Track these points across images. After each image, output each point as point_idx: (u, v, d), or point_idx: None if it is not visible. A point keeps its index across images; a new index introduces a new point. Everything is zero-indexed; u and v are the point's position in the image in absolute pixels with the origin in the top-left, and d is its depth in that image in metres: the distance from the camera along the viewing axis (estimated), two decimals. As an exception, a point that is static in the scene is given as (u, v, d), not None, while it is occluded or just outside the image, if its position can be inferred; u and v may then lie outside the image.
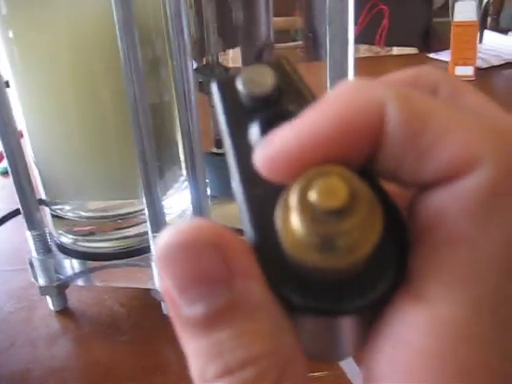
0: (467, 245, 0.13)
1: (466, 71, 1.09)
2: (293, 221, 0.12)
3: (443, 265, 0.13)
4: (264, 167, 0.14)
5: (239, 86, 0.16)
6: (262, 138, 0.15)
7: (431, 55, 1.28)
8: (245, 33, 0.42)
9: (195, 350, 0.13)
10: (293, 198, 0.12)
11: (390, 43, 1.73)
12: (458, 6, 1.06)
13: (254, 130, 0.16)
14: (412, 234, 0.14)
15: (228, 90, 0.17)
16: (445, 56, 1.21)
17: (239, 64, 0.43)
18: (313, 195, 0.12)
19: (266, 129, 0.15)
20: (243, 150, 0.15)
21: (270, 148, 0.14)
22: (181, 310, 0.13)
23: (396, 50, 1.76)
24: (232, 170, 0.15)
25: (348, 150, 0.13)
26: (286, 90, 0.16)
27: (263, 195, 0.14)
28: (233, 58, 0.43)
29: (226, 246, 0.13)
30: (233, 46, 0.43)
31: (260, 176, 0.14)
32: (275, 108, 0.16)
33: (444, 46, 1.28)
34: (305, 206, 0.12)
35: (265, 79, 0.16)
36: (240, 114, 0.16)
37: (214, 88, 0.17)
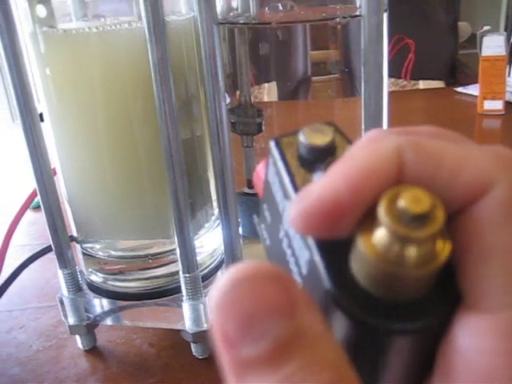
0: (504, 252, 0.14)
1: (496, 105, 1.08)
2: (381, 227, 0.14)
3: (490, 274, 0.14)
4: (300, 220, 0.15)
5: (301, 137, 0.17)
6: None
7: (459, 89, 1.27)
8: (282, 67, 0.42)
9: None
10: (382, 206, 0.14)
11: (416, 77, 1.74)
12: (486, 40, 1.05)
13: (317, 177, 0.17)
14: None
15: (286, 146, 0.18)
16: (473, 90, 1.20)
17: (275, 98, 0.43)
18: (401, 202, 0.13)
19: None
20: None
21: (305, 202, 0.15)
22: (242, 350, 0.13)
23: (422, 84, 1.76)
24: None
25: (375, 196, 0.15)
26: (340, 144, 0.18)
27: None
28: (268, 91, 0.42)
29: (284, 278, 0.13)
30: (268, 80, 0.43)
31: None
32: (334, 157, 0.17)
33: (471, 80, 1.27)
34: (394, 211, 0.13)
35: (326, 131, 0.17)
36: (301, 166, 0.18)
37: (273, 145, 0.18)
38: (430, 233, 0.13)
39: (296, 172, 0.17)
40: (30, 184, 0.49)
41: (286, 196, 0.17)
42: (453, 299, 0.15)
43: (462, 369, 0.14)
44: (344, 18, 0.38)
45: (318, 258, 0.15)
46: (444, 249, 0.14)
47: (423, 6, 1.82)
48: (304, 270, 0.16)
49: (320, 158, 0.17)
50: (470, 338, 0.14)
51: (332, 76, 0.41)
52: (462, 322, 0.14)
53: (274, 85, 0.41)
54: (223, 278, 0.13)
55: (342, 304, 0.14)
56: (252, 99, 0.43)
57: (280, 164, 0.18)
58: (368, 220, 0.14)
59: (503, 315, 0.14)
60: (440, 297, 0.14)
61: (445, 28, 1.88)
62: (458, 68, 1.86)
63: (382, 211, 0.14)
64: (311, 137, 0.17)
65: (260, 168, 0.21)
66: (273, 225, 0.19)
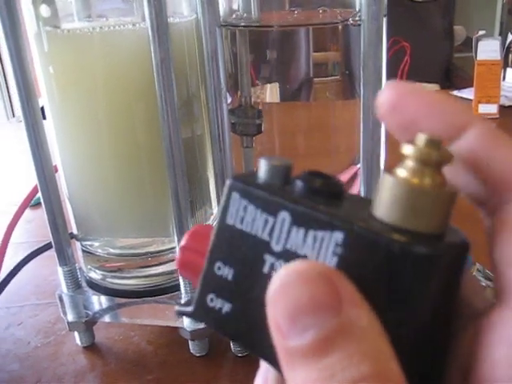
0: None
1: (490, 109, 1.09)
2: (405, 160, 0.16)
3: None
4: (389, 103, 0.17)
5: (263, 162, 0.18)
6: (308, 184, 0.17)
7: (454, 92, 1.28)
8: (284, 68, 0.43)
9: (306, 377, 0.14)
10: (404, 144, 0.16)
11: (412, 80, 1.74)
12: (481, 44, 1.06)
13: (296, 185, 0.17)
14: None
15: (246, 181, 0.18)
16: (468, 94, 1.21)
17: (277, 99, 0.43)
18: (420, 136, 0.16)
19: (307, 181, 0.17)
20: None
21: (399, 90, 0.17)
22: (291, 340, 0.14)
23: (417, 87, 1.77)
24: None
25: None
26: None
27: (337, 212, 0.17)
28: (270, 92, 0.43)
29: (334, 276, 0.14)
30: (270, 81, 0.43)
31: None
32: (301, 173, 0.17)
33: (466, 83, 1.28)
34: (414, 144, 0.16)
35: (284, 159, 0.18)
36: (273, 185, 0.17)
37: (232, 184, 0.18)
38: (443, 155, 0.15)
39: (274, 188, 0.17)
40: (27, 182, 0.49)
41: (277, 209, 0.17)
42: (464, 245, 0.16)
43: (498, 358, 0.15)
44: (343, 22, 0.39)
45: (358, 229, 0.16)
46: (451, 186, 0.16)
47: (419, 9, 1.83)
48: (333, 261, 0.16)
49: (286, 178, 0.17)
50: (506, 331, 0.15)
51: (333, 78, 0.42)
52: (497, 316, 0.15)
53: (275, 86, 0.42)
54: (280, 272, 0.15)
55: (410, 246, 0.15)
56: (252, 100, 0.43)
57: (254, 190, 0.17)
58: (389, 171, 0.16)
59: None
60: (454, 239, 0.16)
61: (440, 31, 1.89)
62: (453, 71, 1.88)
63: (404, 145, 0.16)
64: (272, 161, 0.18)
65: (189, 241, 0.20)
66: (243, 274, 0.18)
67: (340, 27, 0.39)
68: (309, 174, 0.17)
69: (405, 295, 0.15)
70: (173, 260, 0.46)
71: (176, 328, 0.47)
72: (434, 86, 1.78)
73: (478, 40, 1.07)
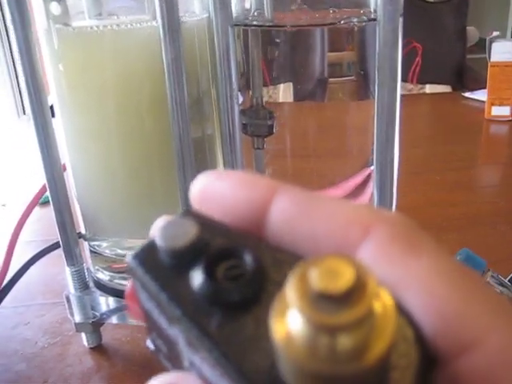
0: None
1: (503, 111, 1.07)
2: (289, 314, 0.11)
3: None
4: (200, 199, 0.16)
5: (159, 243, 0.14)
6: (207, 287, 0.13)
7: (466, 94, 1.27)
8: (298, 67, 0.42)
9: None
10: (291, 286, 0.11)
11: (423, 81, 1.74)
12: (495, 46, 1.05)
13: (196, 283, 0.14)
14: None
15: (148, 260, 0.15)
16: (480, 95, 1.20)
17: (290, 99, 0.42)
18: (313, 280, 0.11)
19: (208, 274, 0.13)
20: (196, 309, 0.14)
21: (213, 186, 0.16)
22: None
23: (429, 88, 1.75)
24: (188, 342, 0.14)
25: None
26: (207, 234, 0.15)
27: (238, 350, 0.13)
28: (284, 92, 0.42)
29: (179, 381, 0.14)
30: (283, 81, 0.43)
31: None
32: (204, 255, 0.14)
33: (478, 85, 1.27)
34: (304, 289, 0.11)
35: (186, 230, 0.14)
36: (172, 276, 0.14)
37: (134, 264, 0.15)
38: (356, 315, 0.10)
39: (170, 287, 0.14)
40: (36, 180, 0.49)
41: (171, 321, 0.14)
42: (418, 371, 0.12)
43: None
44: (359, 22, 0.38)
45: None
46: (385, 326, 0.11)
47: (431, 10, 1.82)
48: None
49: (189, 260, 0.14)
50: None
51: (347, 78, 0.41)
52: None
53: (289, 86, 0.41)
54: None
55: None
56: (264, 101, 0.42)
57: (150, 285, 0.14)
58: (281, 305, 0.11)
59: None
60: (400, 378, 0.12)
61: (453, 32, 1.88)
62: (465, 72, 1.86)
63: (290, 292, 0.11)
64: (170, 240, 0.14)
65: (132, 288, 0.16)
66: (171, 356, 0.16)
67: (355, 27, 0.38)
68: (216, 259, 0.14)
69: None
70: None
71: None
72: (446, 88, 1.76)
73: (491, 41, 1.06)
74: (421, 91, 1.74)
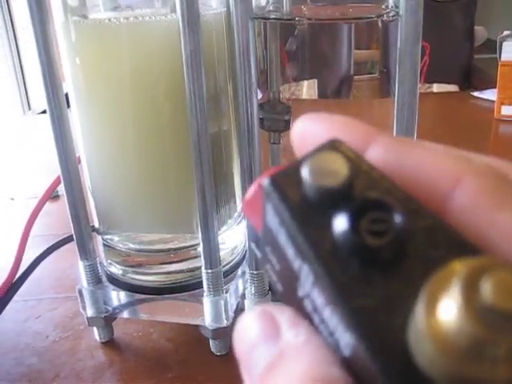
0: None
1: (513, 111, 1.07)
2: (452, 319, 0.10)
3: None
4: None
5: (306, 176, 0.14)
6: (349, 236, 0.13)
7: (475, 93, 1.26)
8: (323, 64, 0.42)
9: None
10: (458, 292, 0.10)
11: (431, 80, 1.73)
12: (505, 45, 1.05)
13: (337, 228, 0.13)
14: None
15: (286, 186, 0.14)
16: (489, 95, 1.19)
17: (315, 96, 0.42)
18: (486, 291, 0.10)
19: (354, 224, 0.13)
20: (326, 255, 0.13)
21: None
22: (246, 380, 0.15)
23: (436, 87, 1.75)
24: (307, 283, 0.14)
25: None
26: (357, 177, 0.14)
27: (368, 305, 0.12)
28: (308, 89, 0.42)
29: (273, 309, 0.15)
30: (308, 77, 0.42)
31: (360, 285, 0.12)
32: (354, 199, 0.13)
33: (485, 85, 1.26)
34: (473, 302, 0.10)
35: (335, 163, 0.14)
36: (311, 214, 0.14)
37: (268, 185, 0.14)
38: None
39: (307, 223, 0.13)
40: (44, 176, 0.49)
41: (302, 257, 0.14)
42: None
43: None
44: (380, 17, 0.38)
45: (365, 353, 0.12)
46: None
47: (440, 9, 1.81)
48: (347, 352, 0.13)
49: (334, 201, 0.13)
50: None
51: (370, 76, 0.41)
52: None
53: (313, 82, 0.41)
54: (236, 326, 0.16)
55: None
56: (282, 96, 0.42)
57: (285, 214, 0.14)
58: (433, 295, 0.11)
59: None
60: None
61: (461, 32, 1.87)
62: (472, 72, 1.86)
63: (459, 302, 0.10)
64: (319, 175, 0.14)
65: (253, 196, 0.16)
66: (285, 276, 0.16)
67: (379, 23, 0.38)
68: (364, 208, 0.13)
69: None
70: (195, 257, 0.45)
71: (196, 326, 0.46)
72: (453, 87, 1.76)
73: (502, 41, 1.05)
74: (428, 90, 1.73)
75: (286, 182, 0.14)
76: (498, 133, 1.08)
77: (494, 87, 1.09)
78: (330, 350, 0.13)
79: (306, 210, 0.14)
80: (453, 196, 0.14)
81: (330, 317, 0.13)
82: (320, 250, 0.13)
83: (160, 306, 0.47)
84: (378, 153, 0.15)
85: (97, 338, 0.49)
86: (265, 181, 0.15)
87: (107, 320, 0.48)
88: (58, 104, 0.41)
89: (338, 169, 0.14)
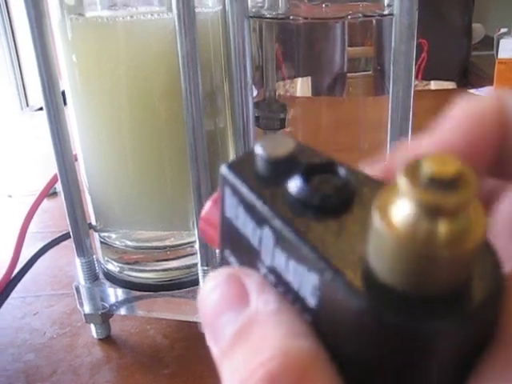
0: None
1: (510, 109, 1.07)
2: (403, 200, 0.12)
3: None
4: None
5: (259, 152, 0.15)
6: (303, 191, 0.14)
7: (472, 91, 1.26)
8: (318, 61, 0.42)
9: (225, 374, 0.14)
10: (402, 174, 0.12)
11: (428, 77, 1.73)
12: (503, 43, 1.05)
13: (291, 188, 0.15)
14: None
15: (242, 169, 0.16)
16: (486, 92, 1.19)
17: (308, 93, 0.42)
18: (425, 167, 0.11)
19: (305, 181, 0.14)
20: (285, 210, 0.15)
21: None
22: (216, 344, 0.14)
23: (434, 84, 1.75)
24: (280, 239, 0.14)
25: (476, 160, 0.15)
26: (302, 150, 0.16)
27: (327, 240, 0.14)
28: (301, 86, 0.42)
29: (241, 273, 0.15)
30: (302, 75, 0.43)
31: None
32: (302, 165, 0.15)
33: (482, 82, 1.26)
34: (417, 178, 0.11)
35: (285, 142, 0.15)
36: (266, 185, 0.15)
37: (226, 172, 0.16)
38: (462, 199, 0.11)
39: (263, 191, 0.15)
40: (41, 173, 0.49)
41: (262, 222, 0.15)
42: (496, 284, 0.12)
43: None
44: (373, 16, 0.38)
45: (331, 275, 0.13)
46: (480, 222, 0.12)
47: (438, 6, 1.81)
48: (312, 301, 0.13)
49: (284, 171, 0.15)
50: None
51: (365, 73, 0.41)
52: None
53: (307, 80, 0.41)
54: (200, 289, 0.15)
55: (381, 316, 0.12)
56: (277, 94, 0.42)
57: (243, 189, 0.15)
58: (385, 196, 0.12)
59: None
60: (481, 284, 0.12)
61: (458, 29, 1.87)
62: (470, 70, 1.86)
63: (402, 179, 0.11)
64: (269, 149, 0.15)
65: (209, 212, 0.18)
66: (244, 264, 0.16)
67: (373, 22, 0.38)
68: (312, 170, 0.14)
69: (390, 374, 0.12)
70: (191, 254, 0.45)
71: (192, 323, 0.46)
72: (451, 84, 1.76)
73: (499, 38, 1.06)
74: (425, 87, 1.73)
75: (241, 165, 0.16)
76: (495, 130, 1.08)
77: (491, 84, 1.10)
78: (300, 319, 0.13)
79: (261, 181, 0.15)
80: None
81: (294, 273, 0.14)
82: (278, 208, 0.14)
83: (157, 303, 0.47)
84: None
85: (94, 334, 0.49)
86: (223, 168, 0.16)
87: (104, 317, 0.48)
88: (54, 101, 0.41)
89: (286, 143, 0.15)
